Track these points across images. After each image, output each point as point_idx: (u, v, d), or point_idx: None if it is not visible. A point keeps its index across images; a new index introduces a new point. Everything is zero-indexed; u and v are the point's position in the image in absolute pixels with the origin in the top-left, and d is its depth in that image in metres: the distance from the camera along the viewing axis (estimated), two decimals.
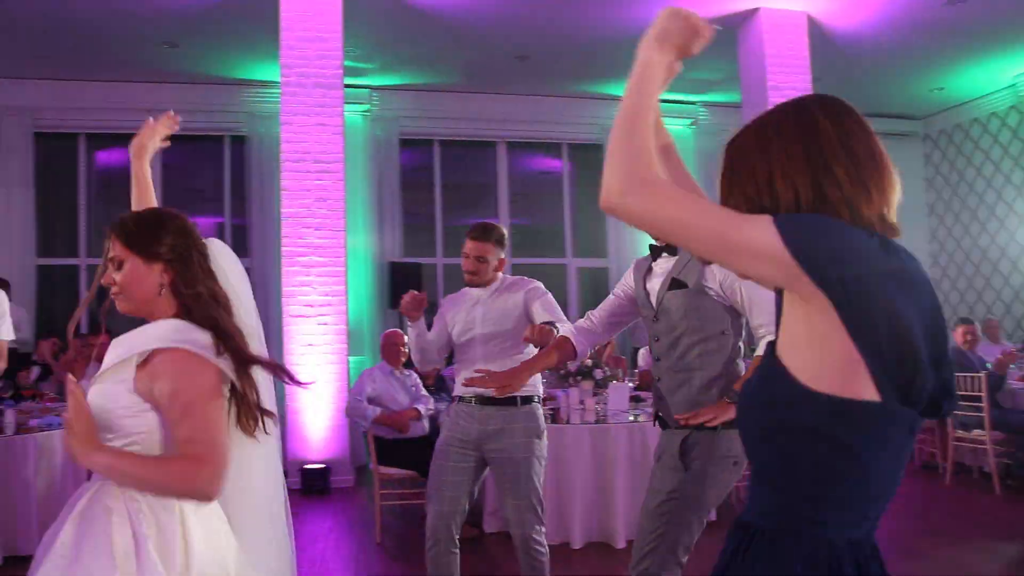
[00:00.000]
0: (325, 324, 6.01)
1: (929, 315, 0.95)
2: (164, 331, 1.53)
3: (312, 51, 6.04)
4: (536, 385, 3.18)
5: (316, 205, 6.06)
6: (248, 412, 1.56)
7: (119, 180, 9.21)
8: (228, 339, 1.53)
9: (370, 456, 4.64)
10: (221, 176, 8.69)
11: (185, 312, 1.57)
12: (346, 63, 7.67)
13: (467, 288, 3.20)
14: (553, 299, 3.15)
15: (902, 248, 0.98)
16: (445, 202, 9.10)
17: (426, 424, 4.85)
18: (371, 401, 4.74)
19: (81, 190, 8.48)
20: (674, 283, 2.38)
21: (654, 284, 2.47)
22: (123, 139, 9.01)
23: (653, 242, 2.48)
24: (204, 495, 1.43)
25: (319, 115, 6.06)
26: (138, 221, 1.68)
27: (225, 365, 1.51)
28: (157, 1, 6.32)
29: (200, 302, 1.57)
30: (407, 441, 4.70)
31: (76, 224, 8.46)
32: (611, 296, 2.70)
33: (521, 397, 3.25)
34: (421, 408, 4.77)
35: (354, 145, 8.42)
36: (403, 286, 7.84)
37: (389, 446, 4.65)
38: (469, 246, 3.10)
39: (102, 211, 8.87)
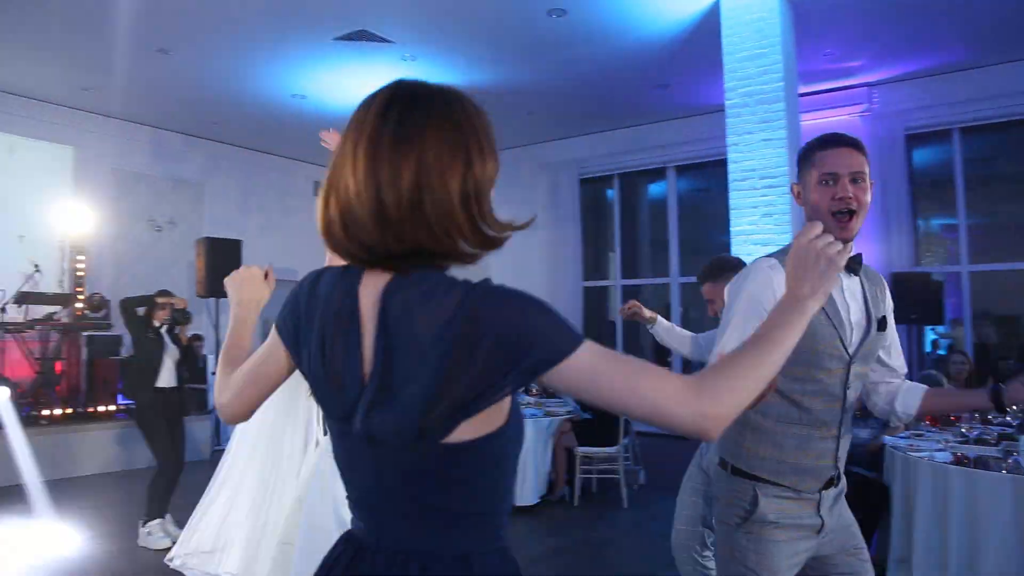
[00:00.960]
0: None
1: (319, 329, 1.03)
2: None
3: (753, 69, 6.08)
4: None
5: (763, 221, 6.06)
6: None
7: (649, 213, 10.60)
8: None
9: None
10: None
11: None
12: (830, 66, 7.39)
13: None
14: None
15: (328, 271, 1.07)
16: (970, 200, 7.74)
17: None
18: None
19: (616, 223, 10.03)
20: (882, 321, 1.90)
21: (850, 314, 1.85)
22: (647, 175, 10.21)
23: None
24: None
25: (763, 131, 6.05)
26: None
27: None
28: (648, 51, 7.21)
29: None
30: None
31: (611, 252, 10.04)
32: (739, 322, 1.78)
33: None
34: None
35: None
36: (909, 300, 7.11)
37: None
38: None
39: (632, 240, 10.28)
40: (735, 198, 6.19)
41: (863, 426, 4.81)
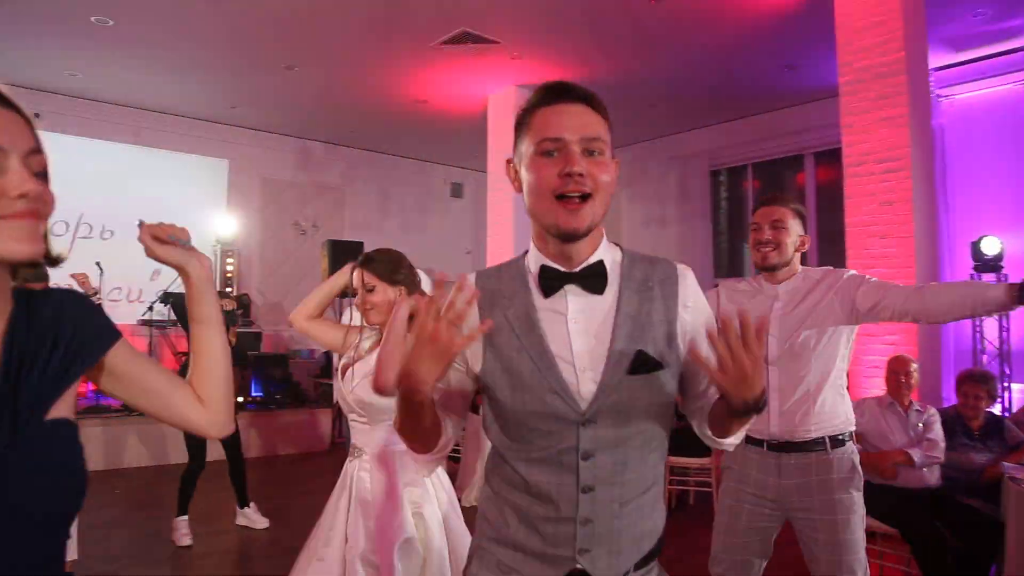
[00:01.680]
0: (893, 344, 5.26)
1: None
2: None
3: (870, 40, 5.41)
4: (848, 420, 2.58)
5: (881, 210, 5.38)
6: None
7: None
8: None
9: None
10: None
11: None
12: (984, 28, 6.46)
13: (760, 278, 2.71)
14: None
15: None
16: None
17: (927, 475, 3.86)
18: (857, 436, 4.07)
19: (747, 214, 9.40)
20: (640, 361, 1.24)
21: (573, 355, 1.25)
22: (783, 163, 9.51)
23: (548, 263, 1.29)
24: None
25: (881, 108, 5.37)
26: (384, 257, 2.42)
27: None
28: (763, 30, 6.67)
29: None
30: (896, 490, 3.87)
31: (745, 244, 9.41)
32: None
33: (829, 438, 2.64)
34: (916, 454, 3.82)
35: (1002, 125, 6.88)
36: None
37: (875, 492, 3.91)
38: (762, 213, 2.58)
39: None
40: (851, 185, 5.56)
41: (982, 449, 4.13)
